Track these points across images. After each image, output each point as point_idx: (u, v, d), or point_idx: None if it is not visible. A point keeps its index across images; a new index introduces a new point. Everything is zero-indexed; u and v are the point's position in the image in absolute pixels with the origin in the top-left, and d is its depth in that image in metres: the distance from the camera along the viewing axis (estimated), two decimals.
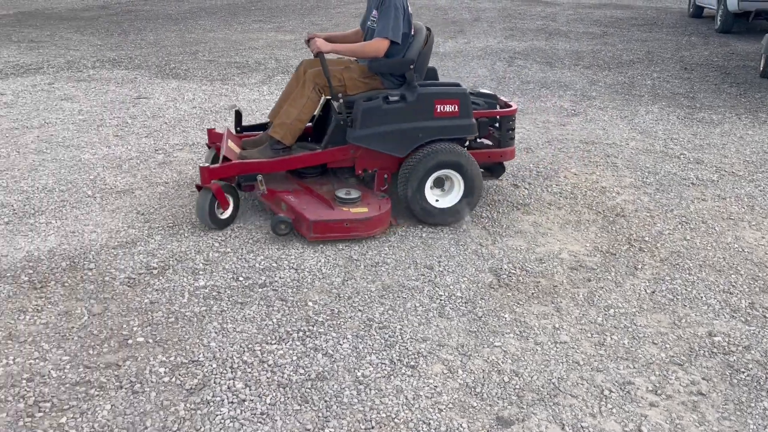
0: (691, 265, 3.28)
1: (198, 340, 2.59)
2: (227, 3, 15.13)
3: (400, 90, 3.59)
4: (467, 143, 3.86)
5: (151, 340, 2.58)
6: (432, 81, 3.86)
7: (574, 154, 4.89)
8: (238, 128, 4.13)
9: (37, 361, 2.44)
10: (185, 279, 3.05)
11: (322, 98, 3.78)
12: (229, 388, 2.31)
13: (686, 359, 2.55)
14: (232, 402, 2.24)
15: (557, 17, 12.87)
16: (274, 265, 3.21)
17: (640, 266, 3.27)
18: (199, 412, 2.20)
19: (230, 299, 2.90)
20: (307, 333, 2.66)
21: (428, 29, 3.85)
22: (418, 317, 2.79)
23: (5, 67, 7.54)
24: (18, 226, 3.53)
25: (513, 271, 3.18)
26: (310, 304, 2.88)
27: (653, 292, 3.03)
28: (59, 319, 2.71)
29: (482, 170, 4.00)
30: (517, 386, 2.37)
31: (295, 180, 3.81)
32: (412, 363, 2.48)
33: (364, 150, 3.62)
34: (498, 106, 3.99)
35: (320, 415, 2.21)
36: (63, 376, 2.36)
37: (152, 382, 2.34)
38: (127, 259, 3.21)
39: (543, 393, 2.34)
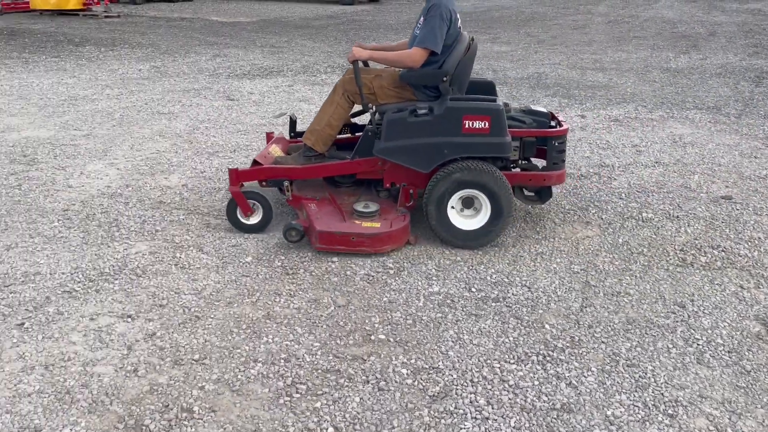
0: None
1: (436, 347, 2.60)
2: None
3: (432, 103, 3.39)
4: (513, 164, 3.62)
5: (392, 339, 2.65)
6: (469, 95, 3.56)
7: None
8: (293, 133, 4.11)
9: (292, 343, 2.62)
10: (420, 283, 3.10)
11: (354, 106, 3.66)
12: (471, 402, 2.28)
13: None
14: (475, 418, 2.20)
15: None
16: (506, 280, 3.14)
17: None
18: (443, 421, 2.19)
19: (464, 309, 2.88)
20: (547, 358, 2.54)
21: (472, 39, 3.59)
22: (672, 360, 2.52)
23: (252, 69, 8.43)
24: None
25: None
26: (548, 327, 2.75)
27: None
28: (309, 305, 2.90)
29: (530, 193, 3.72)
30: None
31: (327, 188, 3.73)
32: (670, 411, 2.24)
33: (392, 163, 3.46)
34: (559, 126, 3.61)
35: None
36: (315, 362, 2.50)
37: (396, 381, 2.39)
38: (364, 257, 3.35)
39: None
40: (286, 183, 3.61)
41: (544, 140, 3.60)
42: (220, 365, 2.47)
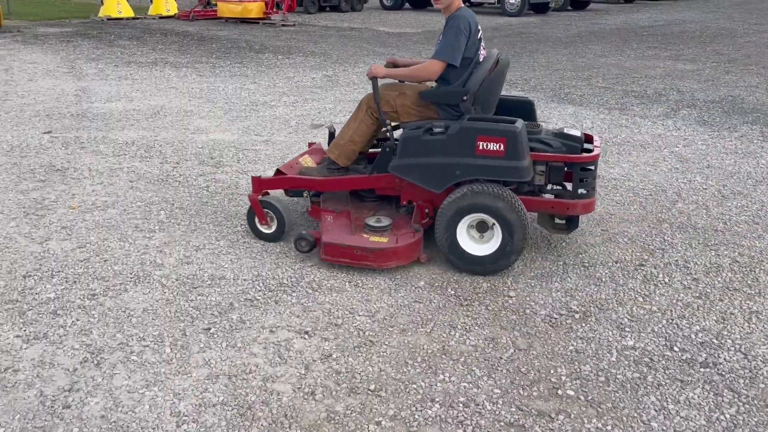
0: None
1: (636, 414, 2.28)
2: (616, 28, 14.62)
3: (448, 122, 3.24)
4: (542, 189, 3.42)
5: (582, 398, 2.37)
6: (489, 116, 3.33)
7: None
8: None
9: (470, 385, 2.44)
10: (610, 333, 2.78)
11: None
12: None
13: None
14: None
15: None
16: (715, 341, 2.72)
17: None
18: None
19: (666, 372, 2.52)
20: None
21: (500, 56, 3.46)
22: None
23: None
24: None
25: None
26: None
27: None
28: (486, 344, 2.70)
29: (560, 222, 3.48)
30: None
31: (350, 202, 3.66)
32: None
33: (408, 180, 3.34)
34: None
35: None
36: (497, 411, 2.30)
37: None
38: (545, 294, 3.09)
39: None
40: (305, 193, 3.67)
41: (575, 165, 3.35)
42: (396, 400, 2.35)
